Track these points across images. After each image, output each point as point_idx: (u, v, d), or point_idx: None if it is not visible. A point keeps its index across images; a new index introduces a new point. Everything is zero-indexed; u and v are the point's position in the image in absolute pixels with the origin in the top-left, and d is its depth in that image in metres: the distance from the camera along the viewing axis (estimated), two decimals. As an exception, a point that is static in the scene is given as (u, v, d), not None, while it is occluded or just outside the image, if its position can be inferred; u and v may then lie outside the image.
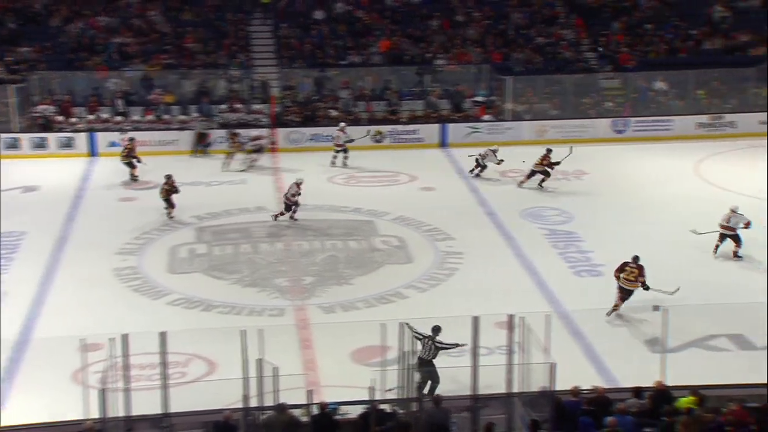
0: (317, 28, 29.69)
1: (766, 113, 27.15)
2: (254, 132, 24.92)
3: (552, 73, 28.11)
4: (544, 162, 22.24)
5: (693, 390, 10.94)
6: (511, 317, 11.34)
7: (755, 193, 21.40)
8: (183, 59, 28.06)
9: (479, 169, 23.15)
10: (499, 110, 27.46)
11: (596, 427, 10.23)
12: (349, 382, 12.16)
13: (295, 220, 19.43)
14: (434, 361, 12.28)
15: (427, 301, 15.98)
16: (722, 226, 17.95)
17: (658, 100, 28.19)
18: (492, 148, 23.42)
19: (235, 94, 27.22)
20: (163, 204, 19.94)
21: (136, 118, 26.27)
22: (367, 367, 12.43)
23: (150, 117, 26.26)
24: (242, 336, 10.60)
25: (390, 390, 11.36)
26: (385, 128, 26.24)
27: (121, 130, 25.09)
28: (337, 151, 24.30)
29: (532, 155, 23.90)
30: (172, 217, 19.88)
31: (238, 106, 26.68)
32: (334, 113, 26.95)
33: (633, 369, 12.73)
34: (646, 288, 14.87)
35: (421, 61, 28.65)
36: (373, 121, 26.57)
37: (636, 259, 15.19)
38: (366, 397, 10.64)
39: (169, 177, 20.07)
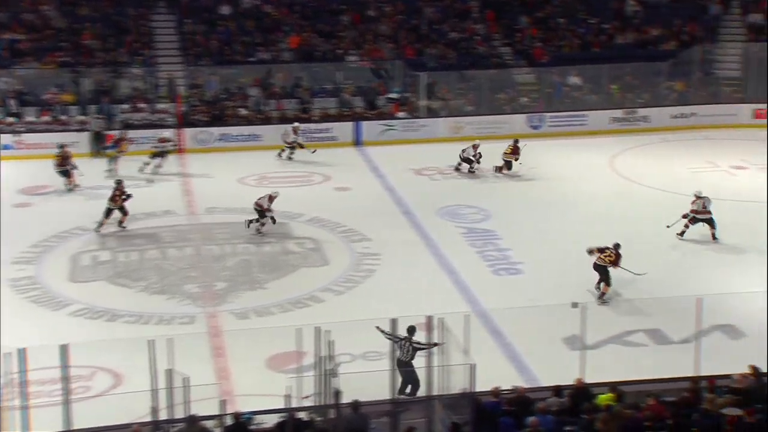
0: (224, 24, 29.36)
1: (677, 107, 28.11)
2: (165, 133, 24.43)
3: (466, 69, 28.46)
4: (510, 152, 23.05)
5: (612, 386, 11.22)
6: (429, 318, 11.42)
7: (668, 187, 22.11)
8: (81, 57, 27.35)
9: (469, 164, 23.18)
10: (413, 107, 27.67)
11: (517, 427, 10.39)
12: (265, 391, 12.06)
13: (260, 233, 18.99)
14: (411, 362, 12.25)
15: (344, 304, 15.97)
16: (697, 212, 18.64)
17: (572, 95, 28.85)
18: (474, 143, 23.44)
19: (138, 93, 26.69)
20: (116, 213, 19.13)
21: (30, 119, 25.50)
22: (282, 374, 12.33)
23: (46, 118, 25.53)
24: (150, 346, 10.39)
25: (307, 397, 11.31)
26: (298, 126, 26.13)
27: (14, 132, 24.29)
28: (286, 149, 24.41)
29: (447, 153, 24.19)
30: (124, 227, 19.20)
31: (142, 105, 26.17)
32: (243, 112, 26.70)
33: (553, 367, 12.96)
34: (607, 276, 15.87)
35: (332, 57, 28.65)
36: (284, 120, 26.43)
37: (617, 246, 16.08)
38: (282, 405, 10.56)
39: (119, 183, 19.49)
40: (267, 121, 26.50)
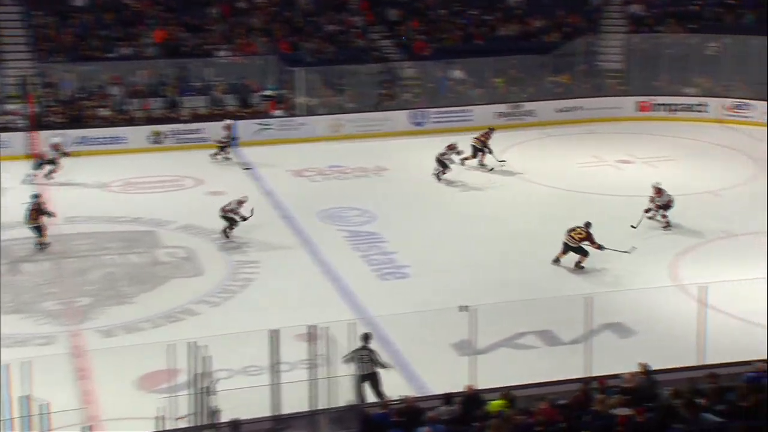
0: (78, 17, 28.51)
1: (563, 101, 28.97)
2: (55, 138, 23.37)
3: (345, 64, 28.57)
4: (483, 138, 23.61)
5: (503, 391, 11.46)
6: (312, 328, 11.39)
7: (554, 182, 22.78)
8: None
9: (442, 169, 22.88)
10: (290, 105, 27.58)
11: (408, 438, 10.47)
12: (135, 413, 11.78)
13: (227, 237, 18.83)
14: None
15: (220, 316, 15.77)
16: (660, 205, 19.54)
17: (456, 89, 29.36)
18: (450, 144, 23.18)
19: (-17, 93, 25.68)
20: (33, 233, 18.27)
21: None
22: (155, 395, 12.08)
23: None
24: (2, 371, 9.99)
25: (182, 418, 11.12)
26: (165, 128, 25.66)
27: None
28: (220, 149, 24.15)
29: (327, 152, 24.22)
30: (46, 245, 18.32)
31: (-11, 106, 25.20)
32: (104, 112, 26.01)
33: (443, 374, 13.14)
34: (601, 248, 17.43)
35: (201, 53, 28.25)
36: (151, 121, 25.89)
37: (587, 225, 17.57)
38: (154, 428, 10.34)
39: (36, 197, 18.65)
40: (131, 122, 25.91)
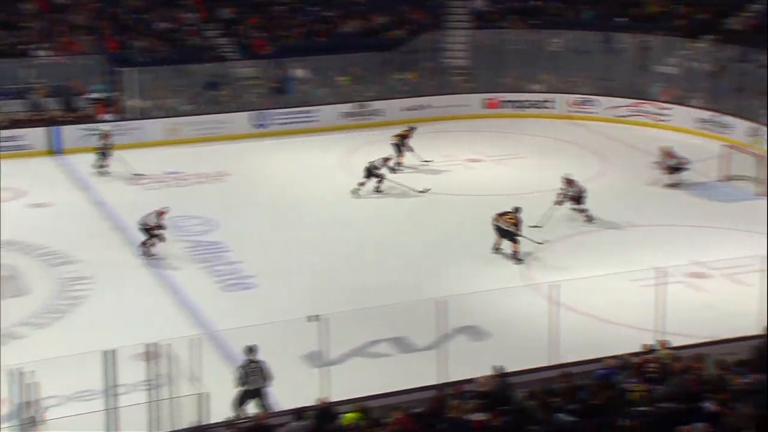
0: None
1: (410, 99, 29.43)
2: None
3: (180, 64, 28.09)
4: (405, 132, 24.06)
5: (357, 403, 11.53)
6: (151, 346, 11.15)
7: (409, 183, 23.08)
8: None
9: (377, 180, 22.24)
10: (121, 108, 26.87)
11: (257, 458, 10.39)
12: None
13: (149, 254, 18.38)
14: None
15: (48, 338, 15.25)
16: (573, 196, 20.28)
17: (299, 89, 29.34)
18: (385, 156, 22.79)
19: None
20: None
21: None
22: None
23: None
24: None
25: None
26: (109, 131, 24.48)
27: None
28: (101, 156, 23.38)
29: (164, 158, 23.73)
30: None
31: None
32: None
33: (293, 388, 13.10)
34: (516, 236, 18.23)
35: (17, 52, 27.11)
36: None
37: (517, 209, 18.55)
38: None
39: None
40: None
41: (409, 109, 29.15)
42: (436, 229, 20.32)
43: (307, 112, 28.40)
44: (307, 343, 13.40)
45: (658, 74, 29.07)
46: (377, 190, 22.35)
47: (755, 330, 13.80)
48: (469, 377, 12.34)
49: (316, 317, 12.27)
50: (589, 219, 20.37)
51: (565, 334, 13.77)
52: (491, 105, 29.80)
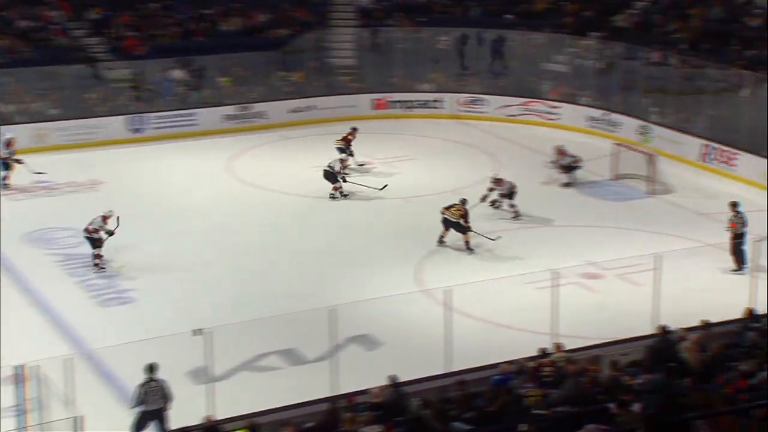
0: None
1: (295, 100, 29.35)
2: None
3: (45, 65, 27.34)
4: (349, 137, 24.12)
5: (247, 420, 11.45)
6: (20, 369, 10.83)
7: (294, 189, 23.06)
8: None
9: (339, 186, 22.28)
10: (-21, 113, 26.07)
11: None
12: None
13: (100, 265, 18.15)
14: None
15: None
16: (503, 194, 21.03)
17: (177, 91, 28.93)
18: (340, 157, 23.10)
19: None
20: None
21: None
22: None
23: None
24: None
25: None
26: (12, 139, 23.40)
27: None
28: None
29: (34, 166, 23.06)
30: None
31: None
32: None
33: (178, 406, 12.90)
34: (466, 229, 19.08)
35: None
36: None
37: (464, 201, 19.47)
38: None
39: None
40: None
41: (294, 111, 29.10)
42: (325, 235, 20.33)
43: (187, 115, 28.04)
44: (191, 358, 13.24)
45: (547, 72, 29.75)
46: (340, 194, 22.35)
47: (648, 329, 14.27)
48: (362, 388, 12.39)
49: (200, 331, 12.13)
50: (517, 215, 20.95)
51: (460, 341, 13.95)
52: (379, 106, 29.99)
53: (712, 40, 27.67)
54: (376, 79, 30.56)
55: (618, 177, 23.87)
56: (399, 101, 30.11)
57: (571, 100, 28.89)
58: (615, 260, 17.85)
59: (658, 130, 26.02)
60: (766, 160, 23.07)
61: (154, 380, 12.30)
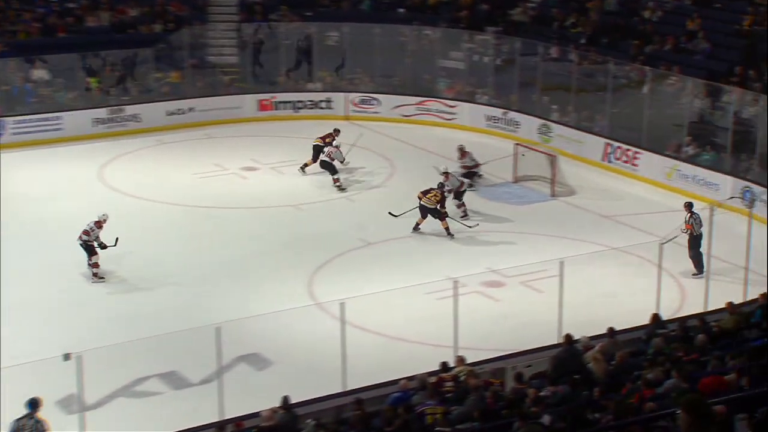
0: None
1: (172, 102, 28.96)
2: None
3: None
4: (327, 139, 24.60)
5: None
6: None
7: (171, 198, 22.80)
8: None
9: (337, 179, 23.57)
10: None
11: None
12: None
13: (99, 275, 18.32)
14: None
15: None
16: (452, 191, 21.58)
17: (39, 92, 28.28)
18: (336, 143, 24.30)
19: None
20: None
21: None
22: None
23: None
24: None
25: None
26: None
27: None
28: None
29: None
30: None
31: None
32: None
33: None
34: (444, 215, 20.38)
35: None
36: None
37: (441, 186, 20.81)
38: None
39: None
40: None
41: (171, 114, 28.77)
42: (209, 247, 20.14)
43: (52, 119, 27.42)
44: (61, 386, 12.96)
45: (442, 69, 30.07)
46: (338, 188, 23.54)
47: (553, 339, 14.55)
48: (252, 411, 12.32)
49: (69, 355, 11.89)
50: (465, 215, 21.69)
51: (356, 357, 14.00)
52: (265, 106, 29.87)
53: (610, 35, 28.45)
54: (261, 78, 30.44)
55: (519, 179, 24.29)
56: (285, 102, 30.03)
57: (469, 98, 29.27)
58: (517, 267, 18.15)
59: (559, 129, 26.58)
60: (667, 158, 23.89)
61: (31, 417, 11.94)
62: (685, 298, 17.65)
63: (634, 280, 18.28)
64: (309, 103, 30.17)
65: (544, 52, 28.13)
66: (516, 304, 17.57)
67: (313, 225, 20.82)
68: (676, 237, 17.82)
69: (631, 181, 24.29)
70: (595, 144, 25.70)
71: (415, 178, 22.84)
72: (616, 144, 25.26)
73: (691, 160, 23.73)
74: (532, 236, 20.78)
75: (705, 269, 17.95)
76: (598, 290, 17.74)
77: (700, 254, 18.34)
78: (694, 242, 18.48)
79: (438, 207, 20.35)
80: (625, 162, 24.97)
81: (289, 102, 30.05)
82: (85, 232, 18.54)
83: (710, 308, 16.00)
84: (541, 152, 24.53)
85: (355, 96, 29.98)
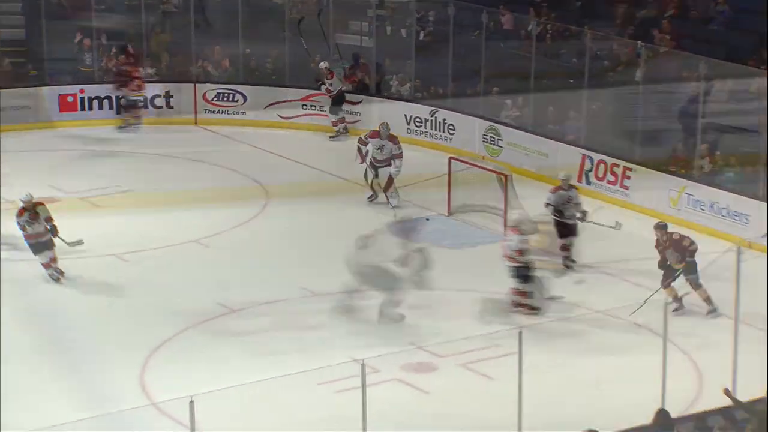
0: None
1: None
2: None
3: None
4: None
5: None
6: None
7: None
8: None
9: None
10: None
11: None
12: None
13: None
14: None
15: None
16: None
17: None
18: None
19: None
20: None
21: None
22: None
23: None
24: None
25: None
26: None
27: None
28: None
29: None
30: None
31: None
32: None
33: None
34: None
35: None
36: None
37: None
38: None
39: None
40: None
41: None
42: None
43: None
44: None
45: (337, 48, 30.19)
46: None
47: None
48: None
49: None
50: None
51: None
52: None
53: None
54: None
55: (456, 210, 24.34)
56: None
57: (379, 90, 29.48)
58: (455, 341, 18.15)
59: (512, 135, 26.86)
60: (672, 176, 24.26)
61: None
62: (703, 382, 17.70)
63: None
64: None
65: (489, 20, 28.20)
66: (453, 397, 17.55)
67: (147, 283, 20.71)
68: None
69: (620, 211, 24.37)
70: (567, 156, 25.84)
71: (300, 210, 22.92)
72: (597, 156, 25.44)
73: (708, 179, 24.06)
74: (474, 294, 20.78)
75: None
76: (575, 376, 17.83)
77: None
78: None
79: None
80: (611, 183, 25.20)
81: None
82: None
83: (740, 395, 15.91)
84: (488, 170, 24.56)
85: (208, 89, 29.93)
